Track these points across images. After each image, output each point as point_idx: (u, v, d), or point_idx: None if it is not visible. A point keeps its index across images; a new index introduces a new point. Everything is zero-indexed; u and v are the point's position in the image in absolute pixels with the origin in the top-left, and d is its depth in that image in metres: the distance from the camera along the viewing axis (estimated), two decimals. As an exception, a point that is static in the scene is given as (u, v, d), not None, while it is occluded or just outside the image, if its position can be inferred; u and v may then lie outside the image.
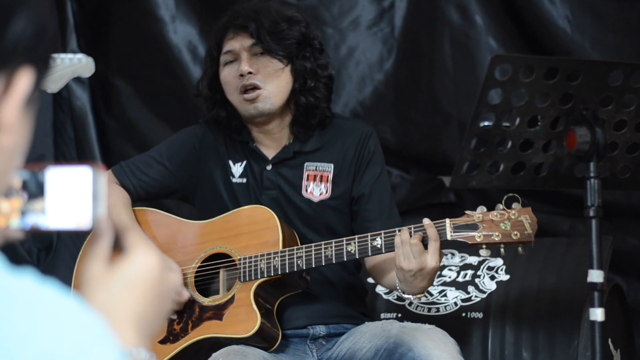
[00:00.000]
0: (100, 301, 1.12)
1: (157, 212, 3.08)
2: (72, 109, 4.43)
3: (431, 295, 3.48)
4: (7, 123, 1.00)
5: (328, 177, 3.01)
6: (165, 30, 4.35)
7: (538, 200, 4.24)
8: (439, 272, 3.45)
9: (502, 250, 2.71)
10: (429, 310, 3.45)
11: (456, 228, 2.71)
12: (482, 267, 3.52)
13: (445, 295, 3.46)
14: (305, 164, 3.01)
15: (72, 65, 3.34)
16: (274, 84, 2.94)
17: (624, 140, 2.61)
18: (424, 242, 2.70)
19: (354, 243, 2.78)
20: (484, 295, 3.43)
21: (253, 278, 2.87)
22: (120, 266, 1.16)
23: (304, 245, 2.84)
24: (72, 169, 1.14)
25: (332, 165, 3.01)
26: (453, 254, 3.60)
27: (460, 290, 3.45)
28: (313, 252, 2.81)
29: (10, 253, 0.99)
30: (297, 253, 2.83)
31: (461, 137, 3.98)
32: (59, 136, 4.46)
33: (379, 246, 2.76)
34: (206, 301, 2.94)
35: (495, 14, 4.25)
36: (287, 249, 2.85)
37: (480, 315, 3.40)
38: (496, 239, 2.67)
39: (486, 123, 2.50)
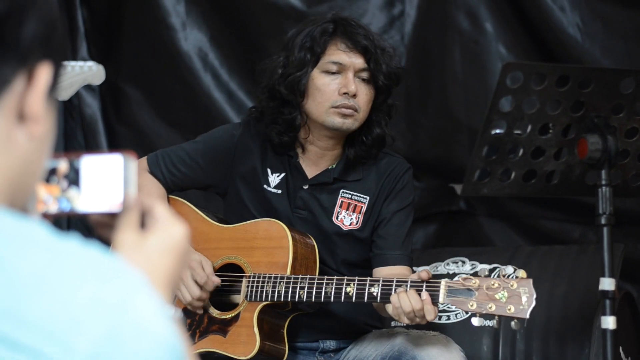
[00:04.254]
0: (138, 263, 1.21)
1: (186, 205, 3.05)
2: (83, 117, 4.44)
3: (442, 303, 3.47)
4: (34, 114, 1.09)
5: (362, 208, 2.98)
6: (175, 38, 4.35)
7: (549, 207, 4.25)
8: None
9: (495, 322, 2.63)
10: (440, 318, 3.44)
11: (450, 292, 2.63)
12: (492, 275, 3.51)
13: (455, 302, 3.46)
14: (341, 191, 2.99)
15: (82, 72, 3.35)
16: (365, 111, 2.94)
17: (636, 148, 2.61)
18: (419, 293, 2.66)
19: (353, 285, 2.74)
20: (495, 303, 3.42)
21: (258, 299, 2.85)
22: (155, 232, 1.24)
23: (307, 276, 2.81)
24: (105, 156, 1.24)
25: (367, 198, 2.99)
26: (464, 262, 3.59)
27: (471, 298, 3.45)
28: (315, 286, 2.78)
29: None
30: (300, 283, 2.79)
31: (472, 144, 3.97)
32: (69, 144, 4.47)
33: (375, 294, 2.71)
34: (215, 312, 2.93)
35: (505, 21, 4.25)
36: (292, 276, 2.81)
37: (490, 323, 3.39)
38: (489, 309, 2.59)
39: (497, 130, 2.50)
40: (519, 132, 2.52)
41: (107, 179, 1.23)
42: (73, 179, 1.23)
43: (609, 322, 2.51)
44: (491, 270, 3.51)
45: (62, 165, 1.24)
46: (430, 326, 3.27)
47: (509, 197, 4.20)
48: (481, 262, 3.56)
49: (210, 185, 3.08)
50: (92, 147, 4.43)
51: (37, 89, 1.09)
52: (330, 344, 3.00)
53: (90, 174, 1.23)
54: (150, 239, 1.24)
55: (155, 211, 1.26)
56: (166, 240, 1.24)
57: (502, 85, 2.43)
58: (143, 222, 1.25)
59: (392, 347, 2.83)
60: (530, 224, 4.29)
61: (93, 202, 1.24)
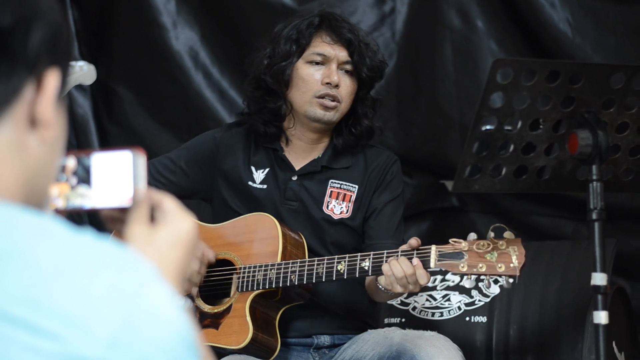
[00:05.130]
0: (149, 256, 1.25)
1: None
2: (74, 117, 4.43)
3: (435, 300, 3.47)
4: (45, 119, 1.14)
5: (351, 197, 3.03)
6: (166, 37, 4.35)
7: (541, 203, 4.25)
8: (442, 277, 3.46)
9: (485, 280, 2.67)
10: (433, 315, 3.44)
11: (441, 256, 2.68)
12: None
13: (449, 299, 3.46)
14: (330, 181, 3.04)
15: (73, 72, 3.34)
16: (347, 102, 3.01)
17: (627, 143, 2.61)
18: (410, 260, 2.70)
19: (344, 262, 2.79)
20: (488, 299, 3.42)
21: (250, 289, 2.88)
22: (165, 226, 1.30)
23: (298, 260, 2.85)
24: (114, 153, 1.29)
25: (356, 187, 3.04)
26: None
27: (464, 295, 3.45)
28: (306, 268, 2.83)
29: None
30: (291, 267, 2.84)
31: (463, 141, 3.97)
32: (61, 144, 4.45)
33: (366, 268, 2.76)
34: (206, 308, 2.94)
35: (496, 18, 4.25)
36: (283, 262, 2.85)
37: (484, 319, 3.40)
38: (480, 270, 2.64)
39: (488, 126, 2.50)
40: (509, 128, 2.52)
41: (117, 175, 1.29)
42: (83, 175, 1.28)
43: (601, 317, 2.51)
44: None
45: (70, 163, 1.29)
46: (425, 324, 3.28)
47: (501, 193, 4.20)
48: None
49: (196, 192, 3.12)
50: (83, 147, 4.43)
51: (46, 95, 1.14)
52: (325, 339, 3.00)
53: (100, 170, 1.29)
54: (160, 232, 1.29)
55: (165, 205, 1.32)
56: (175, 233, 1.30)
57: (492, 81, 2.43)
58: (153, 216, 1.31)
59: (390, 347, 2.84)
60: (522, 220, 4.29)
61: (104, 197, 1.29)
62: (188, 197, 3.14)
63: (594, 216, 2.54)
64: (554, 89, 2.50)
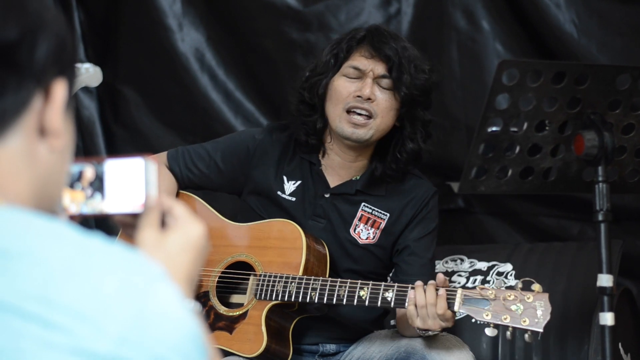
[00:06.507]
0: (159, 260, 1.29)
1: (200, 203, 3.06)
2: (80, 119, 4.43)
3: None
4: (54, 129, 1.17)
5: (380, 224, 2.99)
6: (172, 39, 4.35)
7: (547, 204, 4.24)
8: (448, 278, 3.46)
9: (508, 333, 2.63)
10: (439, 316, 3.44)
11: (466, 300, 2.64)
12: (491, 272, 3.51)
13: (454, 300, 3.45)
14: (363, 204, 2.99)
15: (79, 75, 3.34)
16: (383, 119, 2.92)
17: (632, 144, 2.61)
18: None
19: (367, 289, 2.74)
20: (494, 301, 3.42)
21: (268, 298, 2.85)
22: (175, 231, 1.34)
23: (320, 278, 2.81)
24: (127, 160, 1.33)
25: (388, 215, 2.99)
26: (462, 260, 3.59)
27: (470, 296, 3.44)
28: (327, 288, 2.78)
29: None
30: (312, 284, 2.80)
31: (469, 142, 3.97)
32: (67, 146, 4.46)
33: (389, 299, 2.71)
34: (222, 309, 2.93)
35: (501, 19, 4.25)
36: (305, 277, 2.81)
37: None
38: (504, 321, 2.59)
39: (494, 128, 2.50)
40: (515, 129, 2.52)
41: (130, 181, 1.32)
42: (96, 182, 1.32)
43: (607, 318, 2.51)
44: (490, 268, 3.52)
45: (88, 172, 1.32)
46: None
47: (507, 195, 4.19)
48: (480, 260, 3.56)
49: (224, 187, 3.09)
50: (90, 149, 4.43)
51: (54, 105, 1.16)
52: (331, 347, 3.01)
53: (113, 177, 1.32)
54: (171, 237, 1.33)
55: (175, 211, 1.35)
56: (185, 239, 1.34)
57: (498, 82, 2.43)
58: (163, 221, 1.34)
59: (398, 348, 2.83)
60: (529, 221, 4.29)
61: (116, 203, 1.32)
62: (215, 190, 3.13)
63: (600, 217, 2.54)
64: (560, 90, 2.50)
